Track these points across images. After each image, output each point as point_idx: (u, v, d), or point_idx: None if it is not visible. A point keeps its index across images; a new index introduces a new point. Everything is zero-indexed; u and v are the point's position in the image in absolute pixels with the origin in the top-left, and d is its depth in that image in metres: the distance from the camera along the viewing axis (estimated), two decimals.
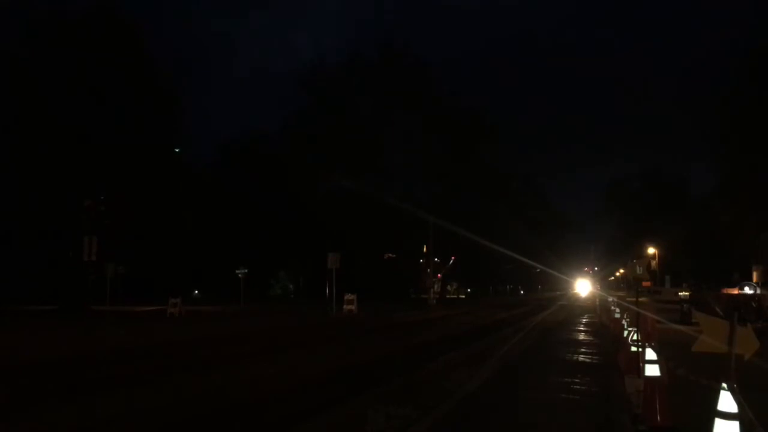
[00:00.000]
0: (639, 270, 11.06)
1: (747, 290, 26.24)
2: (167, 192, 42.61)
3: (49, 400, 8.16)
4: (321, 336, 18.85)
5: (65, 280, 34.80)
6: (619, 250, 71.44)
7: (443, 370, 10.12)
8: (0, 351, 13.49)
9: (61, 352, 13.34)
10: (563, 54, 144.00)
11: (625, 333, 11.00)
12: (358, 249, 46.47)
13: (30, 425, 6.78)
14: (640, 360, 7.10)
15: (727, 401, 3.31)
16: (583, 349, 13.49)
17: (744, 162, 43.81)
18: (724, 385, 3.33)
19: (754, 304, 19.74)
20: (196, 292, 60.34)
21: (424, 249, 52.32)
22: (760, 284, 30.31)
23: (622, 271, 75.43)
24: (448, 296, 63.20)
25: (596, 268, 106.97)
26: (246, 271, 38.43)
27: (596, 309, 32.01)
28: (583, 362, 11.42)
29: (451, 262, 58.64)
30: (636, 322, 8.19)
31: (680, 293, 35.76)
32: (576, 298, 64.80)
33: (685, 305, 22.66)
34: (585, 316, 27.48)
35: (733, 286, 29.71)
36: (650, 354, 6.03)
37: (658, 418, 5.72)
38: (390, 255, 60.20)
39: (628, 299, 18.34)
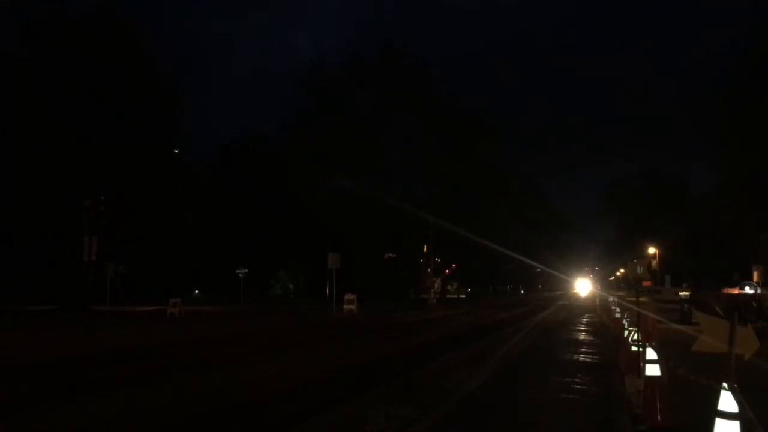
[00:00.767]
0: (639, 270, 11.07)
1: (747, 290, 26.24)
2: (167, 192, 42.61)
3: (49, 400, 8.16)
4: (321, 336, 18.84)
5: (65, 280, 34.79)
6: (619, 250, 71.42)
7: (443, 370, 10.11)
8: (0, 351, 13.48)
9: (61, 352, 13.33)
10: (563, 54, 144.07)
11: (626, 333, 10.99)
12: (358, 249, 46.47)
13: (30, 425, 6.78)
14: (640, 360, 7.11)
15: (727, 401, 3.30)
16: (583, 349, 13.49)
17: (744, 162, 43.82)
18: (725, 384, 3.32)
19: (754, 304, 19.73)
20: (196, 292, 60.34)
21: (424, 249, 52.32)
22: (760, 284, 30.32)
23: (622, 270, 75.39)
24: (448, 296, 63.17)
25: (596, 268, 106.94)
26: (246, 271, 38.43)
27: (596, 309, 32.01)
28: (583, 362, 11.42)
29: (452, 268, 58.73)
30: (636, 322, 8.19)
31: (680, 293, 35.78)
32: (576, 298, 64.79)
33: (685, 305, 22.67)
34: (585, 316, 27.47)
35: (734, 286, 29.72)
36: (650, 354, 6.03)
37: (659, 417, 5.71)
38: (390, 255, 60.21)
39: (628, 299, 18.37)
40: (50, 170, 34.19)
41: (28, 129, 34.37)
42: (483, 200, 56.47)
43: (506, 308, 37.68)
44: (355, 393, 8.07)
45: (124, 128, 36.64)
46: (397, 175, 56.09)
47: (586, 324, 22.43)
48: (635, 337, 8.25)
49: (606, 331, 17.70)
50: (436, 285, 51.67)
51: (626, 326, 11.81)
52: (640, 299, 10.22)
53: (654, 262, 47.76)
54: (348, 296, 31.06)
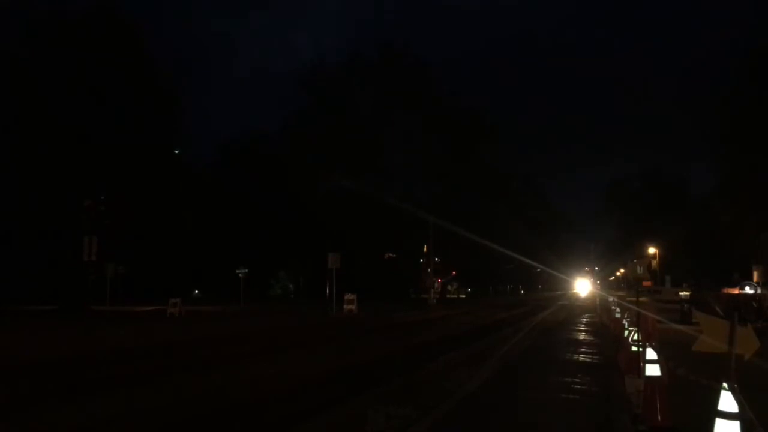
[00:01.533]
0: (639, 270, 11.08)
1: (747, 290, 26.26)
2: (167, 192, 42.62)
3: (49, 400, 8.16)
4: (321, 336, 18.84)
5: (65, 280, 34.78)
6: (619, 250, 71.42)
7: (443, 370, 10.12)
8: (0, 351, 13.48)
9: (61, 352, 13.33)
10: (563, 54, 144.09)
11: (626, 333, 11.00)
12: (358, 249, 46.46)
13: (30, 425, 6.78)
14: (640, 360, 7.11)
15: (727, 401, 3.30)
16: (583, 349, 13.49)
17: (744, 162, 43.83)
18: (725, 384, 3.32)
19: (754, 304, 19.73)
20: (196, 292, 60.34)
21: (424, 249, 52.32)
22: (760, 284, 30.33)
23: (622, 270, 75.42)
24: (448, 296, 63.19)
25: (596, 268, 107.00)
26: (246, 271, 38.42)
27: (596, 309, 32.02)
28: (583, 362, 11.42)
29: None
30: (636, 322, 8.19)
31: (680, 293, 35.79)
32: (576, 298, 64.79)
33: (685, 305, 22.68)
34: (585, 316, 27.47)
35: (734, 286, 29.73)
36: (650, 354, 6.03)
37: (659, 417, 5.71)
38: (390, 255, 60.21)
39: (628, 299, 18.37)
40: (50, 170, 34.18)
41: (28, 129, 34.36)
42: (483, 200, 56.49)
43: (506, 308, 37.68)
44: (355, 393, 8.07)
45: (124, 128, 36.64)
46: (397, 175, 56.14)
47: (586, 324, 22.43)
48: (635, 337, 8.25)
49: (606, 331, 17.70)
50: (436, 285, 51.69)
51: (626, 326, 11.81)
52: (640, 299, 10.22)
53: (654, 262, 47.77)
54: (348, 296, 31.05)
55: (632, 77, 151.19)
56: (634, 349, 8.25)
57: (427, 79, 55.51)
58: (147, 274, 45.88)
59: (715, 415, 3.34)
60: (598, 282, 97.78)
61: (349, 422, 6.49)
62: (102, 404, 7.77)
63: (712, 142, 50.78)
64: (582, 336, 17.31)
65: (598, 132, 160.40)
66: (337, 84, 54.95)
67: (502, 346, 13.87)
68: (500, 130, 63.71)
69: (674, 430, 5.64)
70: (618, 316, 16.71)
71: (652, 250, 53.94)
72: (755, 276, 35.38)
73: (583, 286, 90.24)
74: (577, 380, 9.02)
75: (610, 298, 30.34)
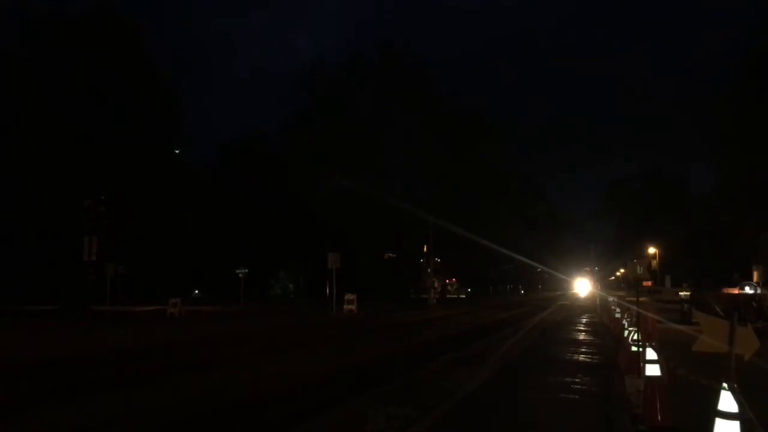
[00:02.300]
0: (639, 270, 11.07)
1: (747, 290, 26.28)
2: (167, 192, 42.63)
3: (49, 400, 8.16)
4: (321, 336, 18.84)
5: (65, 280, 34.78)
6: (619, 250, 71.43)
7: (443, 370, 10.12)
8: (0, 351, 13.49)
9: (61, 352, 13.33)
10: (563, 54, 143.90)
11: (626, 333, 11.00)
12: (358, 249, 46.47)
13: (30, 425, 6.78)
14: (640, 360, 7.11)
15: (727, 401, 3.30)
16: (583, 349, 13.49)
17: (744, 162, 43.84)
18: (725, 384, 3.32)
19: (754, 304, 19.74)
20: (196, 292, 60.34)
21: (424, 249, 52.33)
22: (760, 284, 30.36)
23: (622, 270, 75.42)
24: (448, 296, 63.22)
25: (596, 268, 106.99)
26: (246, 271, 38.41)
27: (596, 309, 32.02)
28: (583, 362, 11.42)
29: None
30: (636, 322, 8.19)
31: (680, 293, 35.80)
32: (576, 298, 64.80)
33: (685, 305, 22.68)
34: (585, 316, 27.48)
35: (733, 286, 29.75)
36: (650, 354, 6.03)
37: (659, 417, 5.71)
38: (390, 255, 60.22)
39: (628, 299, 18.35)
40: (50, 170, 34.19)
41: (28, 129, 34.37)
42: (483, 200, 56.53)
43: (506, 308, 37.68)
44: (355, 393, 8.07)
45: (124, 128, 36.65)
46: (397, 175, 56.15)
47: (585, 324, 22.43)
48: (635, 337, 8.25)
49: (606, 331, 17.71)
50: (436, 285, 51.70)
51: (626, 326, 11.81)
52: (640, 299, 10.21)
53: (654, 262, 47.79)
54: (348, 296, 31.05)
55: (632, 77, 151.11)
56: (634, 349, 8.25)
57: (427, 79, 55.56)
58: (147, 274, 45.88)
59: (715, 415, 3.34)
60: (598, 282, 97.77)
61: (349, 422, 6.49)
62: (102, 404, 7.77)
63: (712, 142, 50.82)
64: (582, 336, 17.31)
65: (598, 132, 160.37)
66: (337, 84, 54.98)
67: (502, 346, 13.87)
68: (500, 130, 63.79)
69: (674, 430, 5.64)
70: (618, 316, 16.72)
71: (652, 250, 53.96)
72: (755, 276, 35.42)
73: (582, 286, 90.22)
74: (577, 380, 9.02)
75: (610, 298, 30.34)
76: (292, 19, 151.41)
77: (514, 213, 62.63)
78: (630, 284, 39.75)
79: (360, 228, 48.68)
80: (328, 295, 31.30)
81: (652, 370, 5.89)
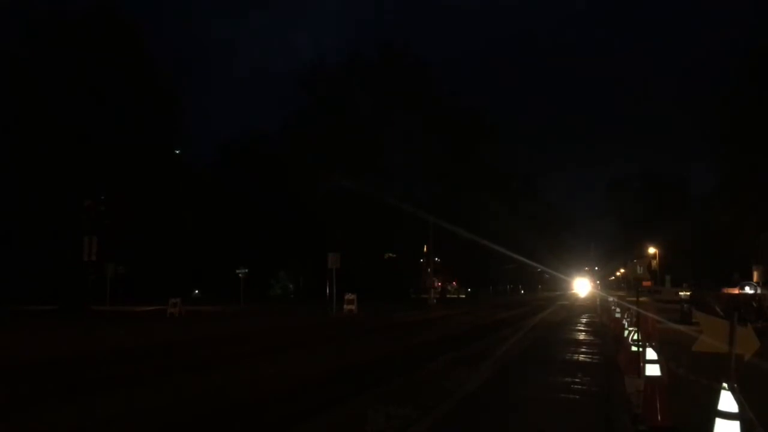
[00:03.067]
0: (639, 270, 11.09)
1: (747, 290, 26.29)
2: (167, 192, 42.63)
3: (49, 400, 8.16)
4: (321, 336, 18.84)
5: (65, 280, 34.78)
6: (619, 250, 71.53)
7: (443, 370, 10.12)
8: (0, 351, 13.49)
9: (61, 352, 13.33)
10: (563, 54, 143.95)
11: (626, 333, 11.00)
12: (358, 249, 46.46)
13: (30, 425, 6.78)
14: (640, 360, 7.11)
15: (727, 401, 3.30)
16: (583, 349, 13.49)
17: (744, 162, 43.85)
18: (725, 385, 3.32)
19: (754, 304, 19.74)
20: (196, 292, 60.35)
21: (424, 249, 52.34)
22: (760, 284, 30.36)
23: (622, 270, 75.47)
24: (448, 296, 63.23)
25: (596, 268, 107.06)
26: (246, 271, 38.41)
27: (596, 309, 32.02)
28: (583, 362, 11.42)
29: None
30: (636, 322, 8.20)
31: (680, 293, 35.77)
32: (576, 298, 64.79)
33: (685, 305, 22.65)
34: (584, 316, 27.48)
35: (733, 286, 29.76)
36: (650, 354, 6.03)
37: (659, 418, 5.71)
38: (390, 255, 60.21)
39: (628, 299, 18.36)
40: (50, 170, 34.19)
41: (28, 129, 34.37)
42: (483, 200, 56.46)
43: (506, 308, 37.68)
44: (355, 393, 8.07)
45: (124, 128, 36.64)
46: (397, 175, 56.12)
47: (585, 324, 22.43)
48: (635, 337, 8.26)
49: (605, 331, 17.70)
50: (436, 285, 51.71)
51: (626, 326, 11.81)
52: (640, 299, 10.22)
53: (654, 262, 47.84)
54: (348, 296, 31.05)
55: (632, 77, 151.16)
56: (634, 349, 8.25)
57: (427, 79, 55.56)
58: (147, 274, 45.88)
59: (715, 415, 3.34)
60: (597, 282, 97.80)
61: (349, 422, 6.49)
62: (102, 404, 7.77)
63: (712, 142, 50.86)
64: (582, 336, 17.31)
65: (598, 132, 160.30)
66: (337, 84, 54.96)
67: (502, 346, 13.87)
68: (500, 130, 63.77)
69: (674, 430, 5.64)
70: (618, 316, 16.72)
71: (652, 250, 54.01)
72: (755, 276, 35.42)
73: (582, 286, 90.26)
74: (577, 380, 9.02)
75: (610, 298, 30.34)
76: (292, 19, 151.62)
77: (514, 213, 62.59)
78: (630, 284, 39.77)
79: (360, 228, 48.67)
80: (328, 295, 31.30)
81: (652, 370, 5.89)
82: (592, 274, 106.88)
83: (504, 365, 10.86)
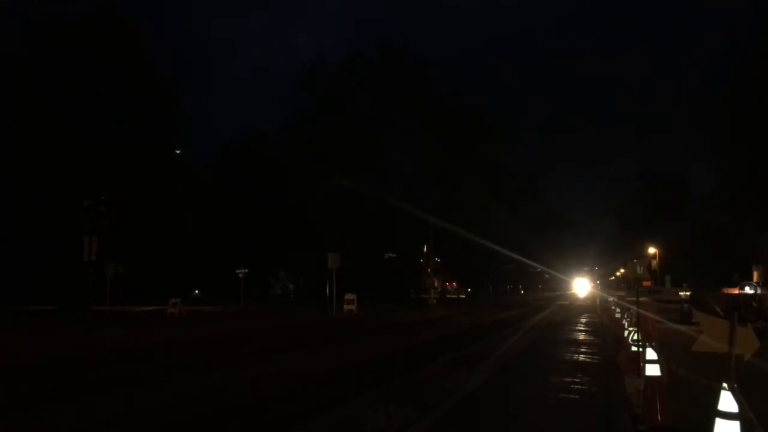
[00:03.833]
0: (639, 270, 11.09)
1: (747, 290, 26.28)
2: (167, 192, 42.63)
3: (49, 400, 8.16)
4: (321, 336, 18.84)
5: (65, 280, 34.77)
6: (619, 250, 71.46)
7: (443, 370, 10.12)
8: (0, 351, 13.49)
9: (61, 352, 13.33)
10: (563, 54, 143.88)
11: (626, 333, 11.00)
12: (358, 249, 46.46)
13: (30, 425, 6.78)
14: (640, 360, 7.11)
15: (727, 401, 3.31)
16: (582, 349, 13.49)
17: (744, 162, 43.83)
18: (725, 385, 3.32)
19: (754, 304, 19.73)
20: (196, 292, 60.36)
21: (424, 249, 52.33)
22: (760, 284, 30.35)
23: (622, 271, 75.46)
24: (448, 296, 63.24)
25: (596, 268, 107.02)
26: (246, 271, 38.41)
27: (596, 309, 32.03)
28: (583, 362, 11.42)
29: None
30: (636, 322, 8.20)
31: (680, 293, 35.78)
32: (575, 298, 64.78)
33: (685, 305, 22.66)
34: (584, 316, 27.48)
35: (733, 286, 29.75)
36: (650, 354, 6.03)
37: (659, 418, 5.71)
38: (390, 255, 60.19)
39: (628, 299, 18.35)
40: (50, 170, 34.19)
41: (28, 129, 34.37)
42: (483, 200, 56.45)
43: (506, 308, 37.68)
44: (355, 393, 8.07)
45: (124, 128, 36.63)
46: (397, 175, 56.09)
47: (585, 324, 22.43)
48: (635, 337, 8.26)
49: (605, 331, 17.70)
50: (436, 285, 51.70)
51: (626, 326, 11.81)
52: (640, 299, 10.22)
53: (654, 262, 47.85)
54: (348, 296, 31.05)
55: (632, 77, 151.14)
56: (634, 349, 8.26)
57: (427, 79, 55.54)
58: (147, 274, 45.89)
59: (715, 415, 3.34)
60: (597, 282, 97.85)
61: (349, 422, 6.49)
62: (102, 404, 7.77)
63: (712, 142, 50.81)
64: (582, 336, 17.31)
65: (598, 132, 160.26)
66: (337, 84, 54.94)
67: (502, 346, 13.87)
68: (500, 130, 63.73)
69: (674, 430, 5.64)
70: (618, 316, 16.72)
71: (652, 250, 53.99)
72: (755, 276, 35.43)
73: (582, 287, 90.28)
74: (577, 380, 9.02)
75: (610, 299, 30.34)
76: (292, 19, 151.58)
77: (514, 213, 62.57)
78: (630, 284, 39.78)
79: (360, 228, 48.67)
80: (328, 295, 31.30)
81: (652, 370, 5.89)
82: (592, 274, 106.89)
83: (504, 365, 10.86)
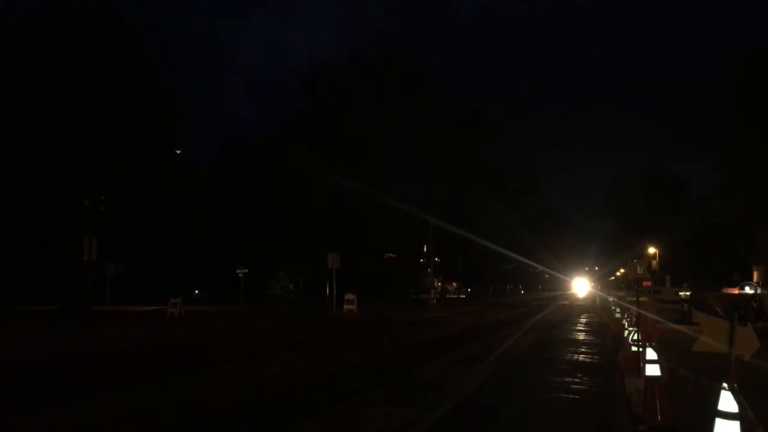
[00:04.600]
0: (639, 270, 11.10)
1: (747, 290, 26.27)
2: (167, 192, 42.66)
3: (48, 400, 8.15)
4: (321, 336, 18.83)
5: (65, 280, 34.79)
6: (619, 249, 71.48)
7: (443, 370, 10.12)
8: (0, 351, 13.49)
9: (60, 352, 13.33)
10: (564, 54, 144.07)
11: (626, 333, 10.99)
12: (358, 249, 46.48)
13: (30, 425, 6.77)
14: (640, 360, 7.11)
15: (727, 401, 3.30)
16: (582, 349, 13.49)
17: (744, 162, 43.86)
18: (725, 384, 3.32)
19: (754, 304, 19.72)
20: (197, 292, 60.36)
21: (424, 249, 52.35)
22: (760, 284, 30.35)
23: (622, 270, 75.49)
24: (448, 296, 63.22)
25: (596, 268, 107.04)
26: (246, 271, 38.43)
27: (596, 309, 32.03)
28: (583, 362, 11.42)
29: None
30: (636, 322, 8.19)
31: (680, 293, 35.78)
32: (575, 298, 64.78)
33: (685, 305, 22.65)
34: (584, 316, 27.47)
35: (734, 286, 29.75)
36: (650, 354, 6.02)
37: (659, 418, 5.71)
38: (390, 255, 60.21)
39: (628, 299, 18.35)
40: (50, 170, 34.22)
41: (29, 129, 34.41)
42: (483, 200, 56.50)
43: (506, 308, 37.67)
44: (355, 393, 8.07)
45: (124, 128, 36.66)
46: (398, 175, 56.17)
47: (585, 324, 22.43)
48: (635, 337, 8.25)
49: (605, 331, 17.70)
50: (436, 285, 51.69)
51: (626, 326, 11.81)
52: (640, 299, 10.21)
53: (654, 262, 47.75)
54: (348, 296, 31.05)
55: (633, 77, 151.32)
56: (634, 349, 8.25)
57: (427, 79, 55.60)
58: (147, 274, 45.89)
59: (715, 415, 3.34)
60: (597, 282, 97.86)
61: (349, 422, 6.49)
62: (102, 404, 7.77)
63: (713, 142, 50.88)
64: (581, 336, 17.31)
65: (599, 132, 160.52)
66: (337, 84, 54.98)
67: (502, 346, 13.87)
68: (500, 130, 63.92)
69: (674, 430, 5.64)
70: (618, 316, 16.72)
71: (652, 250, 53.97)
72: (755, 276, 35.46)
73: (582, 287, 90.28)
74: (576, 380, 9.02)
75: (611, 299, 30.35)
76: (292, 19, 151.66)
77: (514, 213, 62.63)
78: (630, 284, 39.78)
79: (360, 228, 48.68)
80: (328, 295, 31.31)
81: (652, 370, 5.88)
82: (592, 274, 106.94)
83: (504, 365, 10.86)
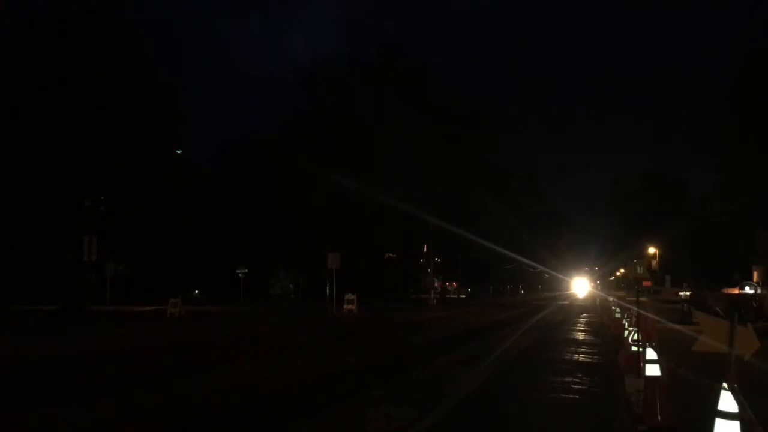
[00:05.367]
0: (640, 270, 11.09)
1: (747, 290, 26.26)
2: (167, 192, 42.66)
3: (48, 399, 8.15)
4: (321, 336, 18.83)
5: (65, 280, 34.78)
6: (619, 249, 71.50)
7: (443, 370, 10.12)
8: (0, 351, 13.48)
9: (60, 352, 13.33)
10: (564, 54, 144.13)
11: (626, 333, 10.99)
12: (358, 249, 46.48)
13: (30, 425, 6.77)
14: (640, 360, 7.10)
15: (727, 401, 3.30)
16: (582, 349, 13.49)
17: (744, 162, 43.87)
18: (725, 384, 3.32)
19: (754, 304, 19.72)
20: (197, 291, 60.33)
21: (424, 249, 52.36)
22: (760, 284, 30.36)
23: (622, 270, 75.48)
24: (448, 296, 63.25)
25: (596, 268, 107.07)
26: (246, 270, 38.40)
27: (596, 309, 32.03)
28: (583, 362, 11.42)
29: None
30: (636, 322, 8.19)
31: (680, 293, 35.78)
32: (575, 298, 64.77)
33: (685, 305, 22.63)
34: (584, 316, 27.46)
35: (734, 286, 29.76)
36: (650, 354, 6.02)
37: (659, 418, 5.71)
38: (390, 255, 60.21)
39: (628, 299, 18.35)
40: (50, 171, 34.22)
41: (29, 129, 34.42)
42: (483, 200, 56.51)
43: (506, 308, 37.68)
44: (355, 393, 8.07)
45: (124, 128, 36.66)
46: (398, 175, 56.14)
47: (585, 324, 22.42)
48: (635, 337, 8.25)
49: (605, 331, 17.70)
50: (436, 285, 51.71)
51: (626, 326, 11.81)
52: (640, 299, 10.21)
53: (654, 262, 47.75)
54: (348, 296, 31.05)
55: (633, 77, 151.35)
56: (634, 349, 8.25)
57: (427, 79, 55.61)
58: (147, 274, 45.87)
59: (715, 415, 3.33)
60: (597, 282, 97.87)
61: (349, 422, 6.49)
62: (102, 404, 7.77)
63: (713, 142, 50.86)
64: (581, 336, 17.31)
65: (598, 132, 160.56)
66: (336, 84, 54.97)
67: (502, 346, 13.87)
68: (500, 130, 63.96)
69: (674, 430, 5.64)
70: (618, 316, 16.71)
71: (652, 250, 53.94)
72: (755, 276, 35.48)
73: (582, 287, 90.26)
74: (576, 380, 9.02)
75: (611, 299, 30.34)
76: (292, 19, 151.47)
77: (514, 213, 62.64)
78: (630, 284, 39.76)
79: (360, 228, 48.67)
80: (328, 295, 31.31)
81: (652, 370, 5.88)
82: (592, 274, 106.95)
83: (504, 365, 10.86)
